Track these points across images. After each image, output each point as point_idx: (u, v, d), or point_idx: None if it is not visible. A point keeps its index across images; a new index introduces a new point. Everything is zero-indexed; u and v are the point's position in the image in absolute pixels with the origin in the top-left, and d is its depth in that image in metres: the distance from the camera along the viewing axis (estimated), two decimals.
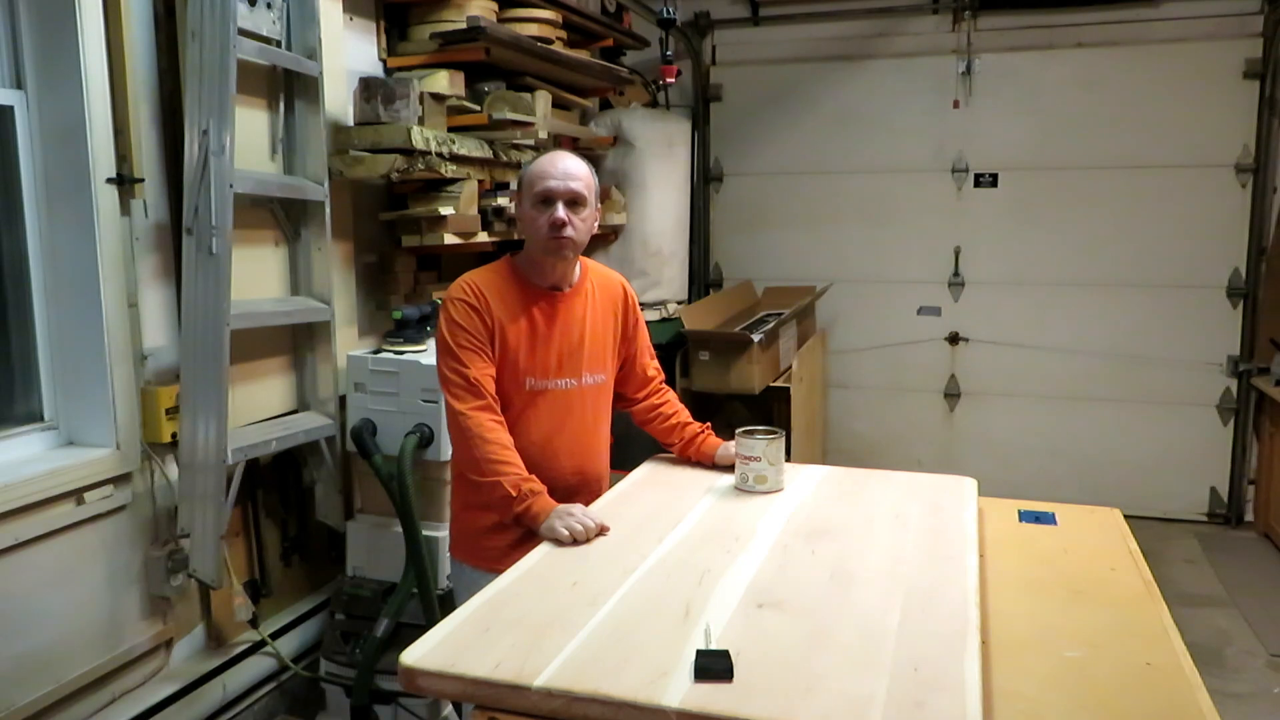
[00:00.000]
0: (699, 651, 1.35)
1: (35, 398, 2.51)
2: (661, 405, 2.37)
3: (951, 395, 5.35)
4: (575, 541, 1.83)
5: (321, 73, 2.83)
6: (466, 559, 2.18)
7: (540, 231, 2.06)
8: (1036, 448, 5.20)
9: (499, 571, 1.72)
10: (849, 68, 5.23)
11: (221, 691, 2.78)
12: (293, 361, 3.02)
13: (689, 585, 1.62)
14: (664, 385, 2.40)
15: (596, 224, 2.17)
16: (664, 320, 4.60)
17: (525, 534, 1.97)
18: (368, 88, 3.07)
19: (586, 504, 2.01)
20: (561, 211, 2.04)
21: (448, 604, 2.71)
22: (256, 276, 2.82)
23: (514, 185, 3.56)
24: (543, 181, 2.06)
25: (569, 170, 2.08)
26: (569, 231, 2.05)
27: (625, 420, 2.40)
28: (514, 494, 1.94)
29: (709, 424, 2.39)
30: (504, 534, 2.05)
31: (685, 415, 2.39)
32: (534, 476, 1.99)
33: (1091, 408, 5.10)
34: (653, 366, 2.39)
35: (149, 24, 2.53)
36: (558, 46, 3.69)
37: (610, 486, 2.25)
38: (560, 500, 1.96)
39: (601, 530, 1.88)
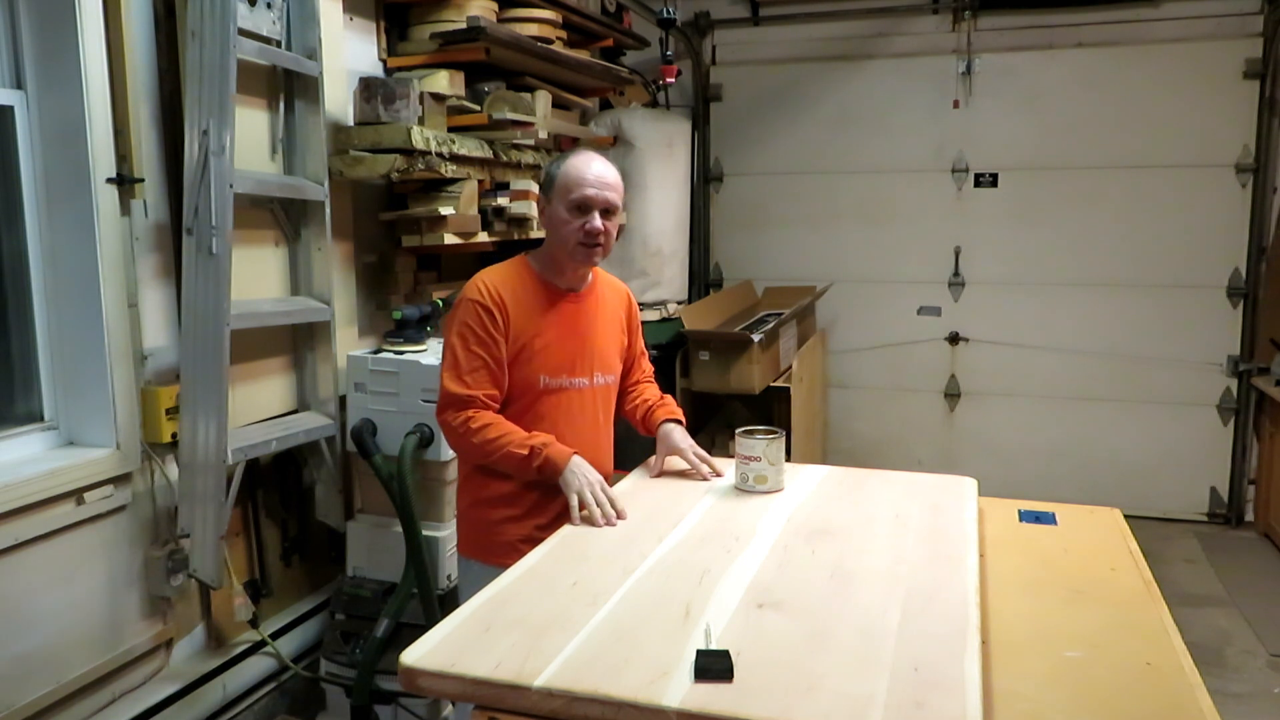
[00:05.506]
0: (699, 651, 1.35)
1: (35, 398, 2.51)
2: (635, 387, 2.42)
3: (952, 395, 5.35)
4: (588, 520, 1.91)
5: (321, 73, 2.83)
6: (475, 555, 2.20)
7: (572, 237, 2.08)
8: (1036, 448, 5.20)
9: (507, 566, 1.73)
10: (849, 68, 5.23)
11: (221, 691, 2.78)
12: (293, 361, 3.02)
13: (689, 585, 1.62)
14: (650, 380, 2.47)
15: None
16: (664, 320, 4.59)
17: (535, 528, 2.05)
18: (368, 88, 3.07)
19: None
20: (599, 221, 2.07)
21: (448, 604, 2.72)
22: (256, 276, 2.82)
23: (514, 185, 3.56)
24: (580, 189, 2.06)
25: (605, 179, 2.10)
26: (603, 239, 2.09)
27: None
28: (526, 453, 2.00)
29: (671, 397, 2.42)
30: (514, 527, 2.11)
31: (659, 401, 2.40)
32: (537, 431, 2.06)
33: (1091, 408, 5.10)
34: (645, 365, 2.46)
35: (149, 24, 2.53)
36: (558, 46, 3.69)
37: (612, 486, 2.26)
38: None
39: (620, 515, 1.95)
